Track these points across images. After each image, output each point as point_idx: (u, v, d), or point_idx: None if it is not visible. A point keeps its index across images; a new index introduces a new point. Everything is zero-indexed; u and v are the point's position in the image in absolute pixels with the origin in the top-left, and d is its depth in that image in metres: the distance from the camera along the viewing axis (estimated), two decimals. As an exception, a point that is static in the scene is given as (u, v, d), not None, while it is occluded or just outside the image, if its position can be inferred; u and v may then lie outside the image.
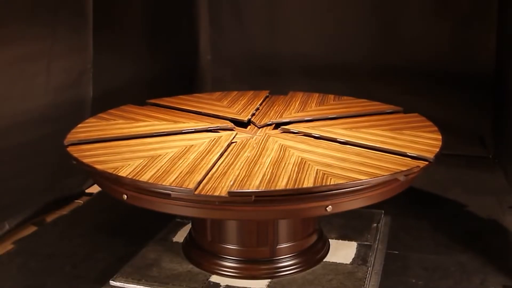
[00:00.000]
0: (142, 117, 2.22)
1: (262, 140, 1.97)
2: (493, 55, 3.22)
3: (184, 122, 2.15)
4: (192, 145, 1.91)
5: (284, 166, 1.73)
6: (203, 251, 2.03)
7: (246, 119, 2.19)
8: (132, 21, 3.18)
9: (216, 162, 1.77)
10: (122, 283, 1.92)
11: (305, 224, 2.02)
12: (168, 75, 3.52)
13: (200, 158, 1.79)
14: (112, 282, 1.93)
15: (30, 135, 2.41)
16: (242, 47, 3.74)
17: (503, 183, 2.86)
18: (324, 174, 1.66)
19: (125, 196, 1.73)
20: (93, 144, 1.93)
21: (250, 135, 2.05)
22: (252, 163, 1.76)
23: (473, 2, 3.22)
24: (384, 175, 1.67)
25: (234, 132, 2.05)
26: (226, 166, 1.75)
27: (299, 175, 1.66)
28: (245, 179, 1.64)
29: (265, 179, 1.64)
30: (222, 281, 1.92)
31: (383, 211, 2.43)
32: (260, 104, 2.41)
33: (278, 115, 2.25)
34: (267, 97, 2.55)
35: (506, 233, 2.30)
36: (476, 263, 2.06)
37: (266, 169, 1.71)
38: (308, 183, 1.61)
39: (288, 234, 1.98)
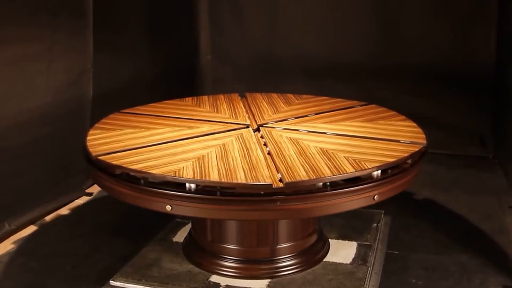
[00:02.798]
0: (148, 125, 2.13)
1: (268, 135, 1.99)
2: (493, 55, 3.22)
3: (198, 127, 2.10)
4: (224, 143, 1.90)
5: (311, 156, 1.74)
6: (203, 251, 2.03)
7: (247, 122, 2.18)
8: (132, 21, 3.18)
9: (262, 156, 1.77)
10: (122, 283, 1.92)
11: (305, 224, 2.02)
12: (168, 75, 3.52)
13: (247, 154, 1.78)
14: (112, 282, 1.93)
15: (30, 135, 2.41)
16: (242, 47, 3.74)
17: (503, 183, 2.86)
18: (355, 159, 1.67)
19: (169, 207, 1.64)
20: (122, 153, 1.82)
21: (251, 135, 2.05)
22: (281, 155, 1.76)
23: (473, 2, 3.22)
24: (405, 156, 1.72)
25: (251, 129, 2.07)
26: (263, 159, 1.74)
27: (333, 162, 1.67)
28: (289, 170, 1.63)
29: (307, 168, 1.63)
30: (222, 281, 1.92)
31: (383, 211, 2.43)
32: (245, 107, 2.41)
33: (259, 118, 2.24)
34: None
35: (506, 233, 2.30)
36: (476, 263, 2.06)
37: (298, 159, 1.71)
38: (348, 168, 1.62)
39: (288, 234, 1.97)
